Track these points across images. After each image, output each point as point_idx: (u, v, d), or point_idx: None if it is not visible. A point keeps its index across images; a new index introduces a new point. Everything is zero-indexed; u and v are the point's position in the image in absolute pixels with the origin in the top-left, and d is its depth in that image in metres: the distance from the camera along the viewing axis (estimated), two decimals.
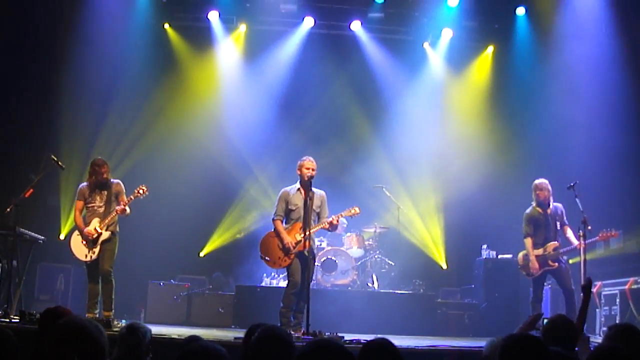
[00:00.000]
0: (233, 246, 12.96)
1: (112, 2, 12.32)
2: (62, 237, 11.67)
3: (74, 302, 10.51)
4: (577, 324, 5.15)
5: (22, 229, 8.97)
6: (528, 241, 9.18)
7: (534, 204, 9.20)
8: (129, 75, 12.40)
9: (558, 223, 9.15)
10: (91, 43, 11.98)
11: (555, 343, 4.07)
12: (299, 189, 8.63)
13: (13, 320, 7.56)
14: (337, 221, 8.65)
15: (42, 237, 9.65)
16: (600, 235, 8.88)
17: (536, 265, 9.04)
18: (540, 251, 9.08)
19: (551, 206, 9.13)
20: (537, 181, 9.22)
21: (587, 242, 8.39)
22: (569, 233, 9.07)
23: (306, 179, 8.41)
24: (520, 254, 9.39)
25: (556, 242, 9.03)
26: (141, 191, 8.58)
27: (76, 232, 8.70)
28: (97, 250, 8.52)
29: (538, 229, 9.15)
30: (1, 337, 3.18)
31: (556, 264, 8.98)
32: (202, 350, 2.75)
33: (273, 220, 8.72)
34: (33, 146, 11.64)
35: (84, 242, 8.56)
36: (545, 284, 9.58)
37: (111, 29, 12.21)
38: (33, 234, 9.40)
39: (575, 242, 8.84)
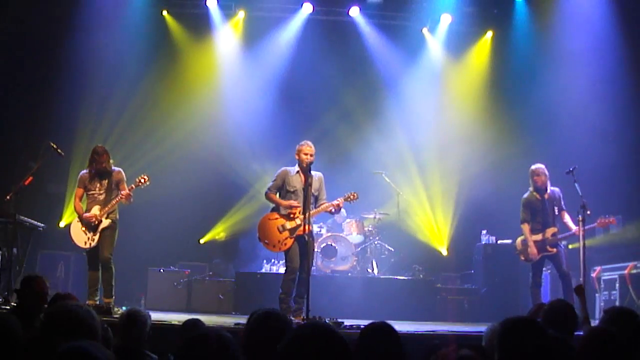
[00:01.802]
0: (233, 233, 13.00)
1: None
2: (62, 224, 11.69)
3: (74, 289, 10.46)
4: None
5: (22, 217, 8.99)
6: (525, 227, 9.17)
7: (531, 189, 9.18)
8: (128, 62, 12.38)
9: (556, 208, 9.14)
10: (89, 30, 11.96)
11: (555, 327, 4.09)
12: (298, 172, 8.60)
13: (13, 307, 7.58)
14: (341, 205, 8.64)
15: (42, 225, 9.68)
16: (598, 222, 8.88)
17: (534, 250, 9.04)
18: (539, 237, 9.08)
19: (548, 191, 9.13)
20: (533, 166, 9.20)
21: (585, 228, 8.39)
22: (567, 218, 9.07)
23: (305, 165, 8.38)
24: (519, 240, 9.36)
25: (555, 228, 9.03)
26: (142, 180, 8.59)
27: (76, 219, 8.70)
28: (96, 237, 8.52)
29: (536, 214, 9.14)
30: (5, 323, 3.20)
31: (554, 249, 8.99)
32: (216, 337, 2.74)
33: (266, 193, 8.66)
34: (32, 134, 11.62)
35: (84, 229, 8.57)
36: (544, 269, 9.60)
37: (109, 16, 12.19)
38: (33, 221, 9.42)
39: (573, 227, 8.83)
